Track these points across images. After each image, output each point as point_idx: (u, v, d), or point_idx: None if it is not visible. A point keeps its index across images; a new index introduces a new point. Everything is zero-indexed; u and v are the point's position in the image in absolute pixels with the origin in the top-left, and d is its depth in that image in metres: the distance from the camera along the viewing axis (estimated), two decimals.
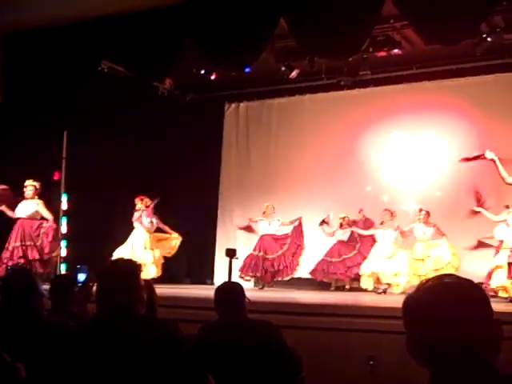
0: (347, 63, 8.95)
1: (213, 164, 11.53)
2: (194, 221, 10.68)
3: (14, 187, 8.62)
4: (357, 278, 9.50)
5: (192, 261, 11.02)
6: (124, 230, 9.58)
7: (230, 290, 3.69)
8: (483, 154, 7.38)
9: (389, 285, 9.05)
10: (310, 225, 10.05)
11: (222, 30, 7.34)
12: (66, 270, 9.65)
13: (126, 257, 8.68)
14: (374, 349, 5.41)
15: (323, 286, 9.92)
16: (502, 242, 8.05)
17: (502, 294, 7.58)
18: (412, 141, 10.38)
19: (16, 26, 8.17)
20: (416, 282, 8.73)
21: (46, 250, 8.45)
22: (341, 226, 9.94)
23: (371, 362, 5.39)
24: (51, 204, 9.04)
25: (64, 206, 9.89)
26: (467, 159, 7.77)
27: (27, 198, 8.59)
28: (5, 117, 8.88)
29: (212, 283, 10.56)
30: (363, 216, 9.90)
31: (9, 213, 8.59)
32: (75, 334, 2.51)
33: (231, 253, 8.27)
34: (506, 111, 9.40)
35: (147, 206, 9.30)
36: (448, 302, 1.34)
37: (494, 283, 7.61)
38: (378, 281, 9.19)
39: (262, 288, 9.78)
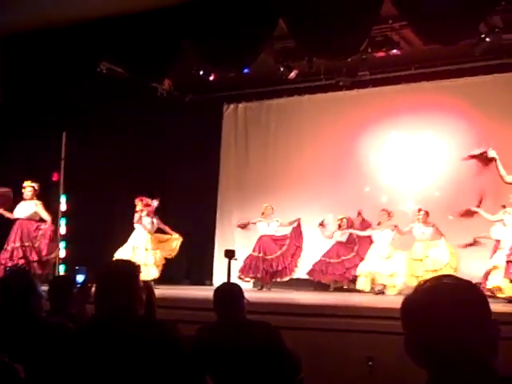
0: (346, 64, 8.95)
1: (212, 165, 11.53)
2: (193, 222, 10.68)
3: (13, 188, 8.63)
4: (354, 279, 9.49)
5: (191, 262, 11.02)
6: (123, 231, 9.57)
7: (229, 291, 3.69)
8: (486, 152, 7.36)
9: (384, 286, 9.03)
10: (308, 226, 10.04)
11: (221, 30, 7.34)
12: (65, 271, 9.65)
13: (126, 258, 8.73)
14: (373, 349, 5.41)
15: (322, 287, 9.92)
16: (498, 241, 8.06)
17: (498, 294, 7.58)
18: (411, 141, 10.38)
19: (15, 27, 8.16)
20: (413, 282, 8.74)
21: (44, 252, 8.44)
22: (339, 227, 9.94)
23: (370, 363, 5.39)
24: (50, 205, 9.05)
25: (63, 206, 9.89)
26: (471, 157, 7.71)
27: (26, 199, 8.59)
28: (4, 118, 8.88)
29: (211, 284, 10.56)
30: (361, 217, 9.90)
31: (7, 215, 8.59)
32: (74, 335, 2.51)
33: (230, 254, 8.28)
34: (504, 111, 9.40)
35: (147, 205, 9.28)
36: (446, 302, 1.34)
37: (491, 283, 7.62)
38: (374, 281, 9.19)
39: (260, 289, 9.78)
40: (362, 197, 10.27)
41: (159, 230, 9.52)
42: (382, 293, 8.97)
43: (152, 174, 10.47)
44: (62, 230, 9.85)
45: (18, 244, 8.36)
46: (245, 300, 3.67)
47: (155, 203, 9.34)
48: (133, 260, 9.02)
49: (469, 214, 8.27)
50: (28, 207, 8.57)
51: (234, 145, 11.69)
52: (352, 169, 10.56)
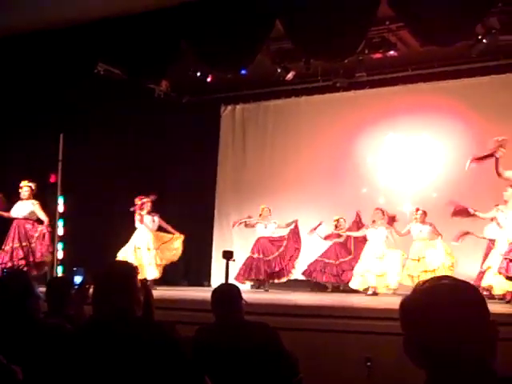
0: (343, 65, 8.96)
1: (209, 166, 11.54)
2: (191, 223, 10.67)
3: (11, 189, 8.63)
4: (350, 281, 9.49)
5: (189, 263, 11.01)
6: (121, 232, 9.57)
7: (227, 292, 3.70)
8: (496, 151, 7.16)
9: (374, 288, 9.01)
10: (306, 227, 10.04)
11: (218, 31, 7.33)
12: (63, 273, 9.64)
13: (129, 258, 8.75)
14: (371, 350, 5.41)
15: (319, 288, 9.92)
16: (492, 241, 8.08)
17: (495, 291, 7.57)
18: (408, 142, 10.40)
19: (13, 27, 8.15)
20: (408, 282, 8.77)
21: (39, 254, 8.44)
22: (336, 227, 9.95)
23: (368, 364, 5.39)
24: (48, 206, 9.05)
25: (60, 208, 9.89)
26: (479, 159, 7.47)
27: (23, 199, 8.59)
28: (1, 119, 8.87)
29: (209, 285, 10.57)
30: (359, 218, 9.90)
31: (5, 214, 8.59)
32: (72, 337, 2.51)
33: (228, 255, 8.28)
34: (501, 112, 9.42)
35: (142, 204, 9.24)
36: (445, 303, 1.34)
37: (486, 282, 7.63)
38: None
39: (257, 288, 9.78)
40: (359, 198, 10.29)
41: (161, 229, 9.53)
42: (374, 294, 8.96)
43: (150, 175, 10.46)
44: (60, 231, 9.84)
45: (17, 244, 8.37)
46: (243, 301, 3.67)
47: (151, 199, 9.30)
48: (135, 260, 9.07)
49: (465, 213, 8.26)
50: (25, 207, 8.58)
51: (231, 146, 11.69)
52: (349, 170, 10.57)
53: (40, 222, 8.66)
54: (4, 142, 9.15)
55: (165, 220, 9.51)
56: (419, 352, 1.35)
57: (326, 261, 9.82)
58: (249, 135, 11.60)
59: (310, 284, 10.08)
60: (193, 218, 10.93)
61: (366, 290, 9.09)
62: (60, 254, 9.83)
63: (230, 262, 8.31)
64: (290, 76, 9.34)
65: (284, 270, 9.79)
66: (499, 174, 6.91)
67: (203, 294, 6.55)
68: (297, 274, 9.93)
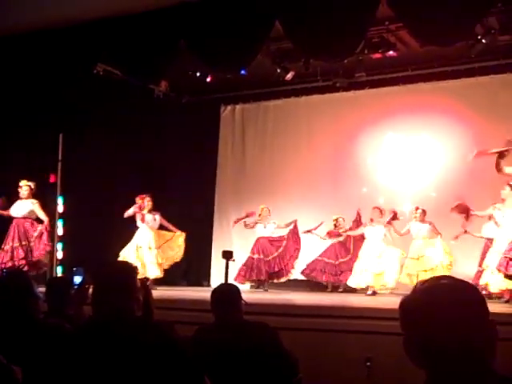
0: (342, 65, 8.96)
1: (209, 166, 11.54)
2: (191, 223, 10.67)
3: (10, 189, 8.63)
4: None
5: (189, 263, 11.01)
6: (120, 232, 9.57)
7: (227, 292, 3.70)
8: (508, 152, 7.07)
9: (373, 287, 9.01)
10: (305, 227, 10.04)
11: (218, 31, 7.34)
12: (62, 273, 9.64)
13: (131, 257, 8.77)
14: (371, 350, 5.41)
15: (319, 288, 9.92)
16: (490, 240, 8.09)
17: (490, 289, 7.58)
18: (407, 142, 10.41)
19: (13, 27, 8.15)
20: (407, 281, 8.77)
21: (36, 253, 8.44)
22: (335, 227, 9.96)
23: (368, 364, 5.39)
24: (47, 206, 9.05)
25: (60, 208, 9.89)
26: (486, 154, 7.38)
27: (22, 198, 8.60)
28: (0, 119, 8.87)
29: (209, 285, 10.56)
30: (359, 217, 9.91)
31: (4, 213, 8.60)
32: (71, 337, 2.51)
33: (228, 255, 8.28)
34: (500, 112, 9.43)
35: (142, 204, 9.26)
36: (445, 303, 1.34)
37: (484, 281, 7.63)
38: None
39: (257, 287, 9.78)
40: (359, 198, 10.28)
41: (161, 228, 9.54)
42: (374, 294, 8.96)
43: (149, 175, 10.45)
44: (60, 231, 9.85)
45: (17, 244, 8.37)
46: (242, 301, 3.67)
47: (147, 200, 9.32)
48: (136, 259, 9.07)
49: (466, 211, 8.26)
50: (24, 206, 8.58)
51: (231, 146, 11.69)
52: (349, 170, 10.57)
53: (39, 221, 8.67)
54: (4, 141, 9.15)
55: (165, 219, 9.52)
56: (419, 352, 1.35)
57: (326, 260, 9.82)
58: (248, 135, 11.60)
59: (310, 284, 10.07)
60: (192, 218, 10.92)
61: (366, 289, 9.09)
62: (59, 254, 9.83)
63: (230, 262, 8.31)
64: (289, 76, 9.34)
65: (283, 270, 9.79)
66: (499, 170, 6.88)
67: (203, 294, 6.55)
68: (296, 273, 9.93)
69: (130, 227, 9.42)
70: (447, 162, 9.97)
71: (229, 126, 11.73)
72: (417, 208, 9.17)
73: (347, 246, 9.95)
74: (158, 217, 9.35)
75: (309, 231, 9.92)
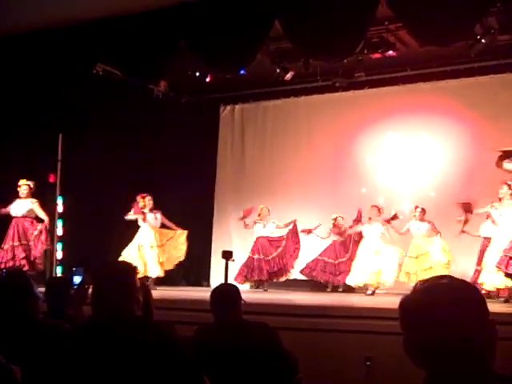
0: (342, 65, 8.96)
1: (208, 166, 11.54)
2: (190, 223, 10.67)
3: (10, 190, 8.63)
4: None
5: (188, 263, 11.01)
6: (120, 232, 9.57)
7: (226, 292, 3.70)
8: None
9: (371, 285, 9.02)
10: (305, 227, 10.04)
11: (217, 31, 7.33)
12: (62, 273, 9.64)
13: (133, 256, 8.77)
14: (371, 350, 5.42)
15: (318, 288, 9.92)
16: (487, 239, 8.10)
17: (485, 287, 7.58)
18: (407, 142, 10.41)
19: (12, 27, 8.14)
20: (405, 280, 8.78)
21: (33, 252, 8.44)
22: (334, 226, 9.97)
23: (368, 363, 5.39)
24: (47, 206, 9.05)
25: (60, 208, 9.89)
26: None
27: (22, 197, 8.60)
28: (0, 119, 8.87)
29: (208, 285, 10.56)
30: (360, 216, 9.91)
31: (2, 211, 8.60)
32: (71, 337, 2.51)
33: (227, 255, 8.28)
34: (500, 112, 9.43)
35: (142, 207, 9.27)
36: (444, 302, 1.34)
37: (481, 280, 7.64)
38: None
39: (256, 288, 9.78)
40: (358, 198, 10.28)
41: (163, 226, 9.55)
42: (373, 293, 8.96)
43: (149, 175, 10.46)
44: (59, 231, 9.84)
45: (16, 243, 8.38)
46: (242, 301, 3.67)
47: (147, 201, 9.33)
48: (139, 258, 9.08)
49: (469, 210, 8.26)
50: (24, 205, 8.59)
51: (230, 146, 11.69)
52: (349, 170, 10.57)
53: (39, 220, 8.67)
54: (3, 141, 9.14)
55: (166, 218, 9.54)
56: (419, 351, 1.35)
57: (326, 260, 9.82)
58: (248, 135, 11.60)
59: (310, 284, 10.07)
60: (192, 218, 10.91)
61: (365, 289, 9.09)
62: (59, 254, 9.83)
63: (230, 262, 8.31)
64: (289, 76, 9.34)
65: (283, 269, 9.79)
66: (500, 166, 6.91)
67: (202, 294, 6.54)
68: (296, 273, 9.93)
69: (129, 227, 9.42)
70: (446, 162, 9.98)
71: (228, 126, 11.73)
72: (416, 207, 9.19)
73: (347, 246, 9.94)
74: (159, 215, 9.37)
75: (308, 231, 9.90)
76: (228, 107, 11.72)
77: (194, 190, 11.10)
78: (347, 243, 9.97)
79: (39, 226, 8.55)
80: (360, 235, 9.60)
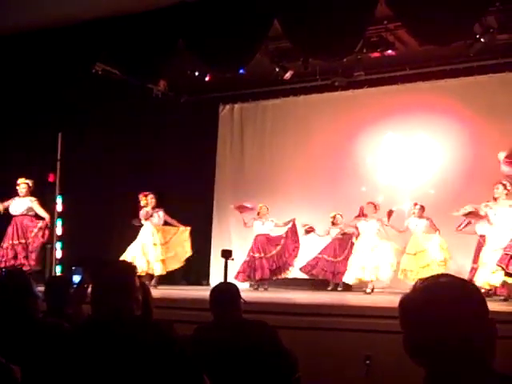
0: (341, 64, 8.95)
1: (208, 166, 11.54)
2: (190, 222, 10.67)
3: (9, 189, 8.64)
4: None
5: (188, 262, 11.00)
6: (119, 232, 9.57)
7: (226, 291, 3.70)
8: None
9: (365, 282, 9.02)
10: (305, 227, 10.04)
11: (216, 31, 7.34)
12: (61, 272, 9.64)
13: (137, 254, 8.77)
14: (371, 348, 5.42)
15: (319, 286, 9.92)
16: (483, 237, 8.11)
17: (479, 284, 7.58)
18: (406, 141, 10.42)
19: (12, 27, 8.14)
20: (403, 277, 8.78)
21: (30, 248, 8.44)
22: (332, 224, 9.97)
23: (368, 362, 5.39)
24: (46, 206, 9.05)
25: (59, 207, 9.89)
26: None
27: (20, 196, 8.61)
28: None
29: (208, 284, 10.56)
30: (362, 212, 9.90)
31: (1, 208, 8.61)
32: (70, 336, 2.51)
33: (227, 254, 8.28)
34: (499, 112, 9.43)
35: (144, 205, 9.29)
36: (444, 301, 1.34)
37: (480, 280, 7.64)
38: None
39: (256, 288, 9.78)
40: (358, 197, 10.27)
41: (166, 224, 9.56)
42: (372, 291, 8.96)
43: (148, 174, 10.45)
44: (59, 230, 9.84)
45: (16, 241, 8.38)
46: (241, 300, 3.67)
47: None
48: (142, 256, 9.09)
49: (477, 216, 8.24)
50: (23, 203, 8.60)
51: (229, 145, 11.69)
52: (348, 169, 10.58)
53: (39, 218, 8.68)
54: (3, 141, 9.15)
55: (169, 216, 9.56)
56: (418, 350, 1.35)
57: (327, 258, 9.83)
58: (247, 134, 11.60)
59: (309, 282, 10.08)
60: (191, 217, 10.91)
61: (364, 286, 9.09)
62: (58, 254, 9.83)
63: (229, 261, 8.31)
64: (288, 75, 9.33)
65: (281, 267, 9.79)
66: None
67: (202, 293, 6.55)
68: (295, 271, 9.93)
69: (129, 226, 9.43)
70: (446, 160, 10.00)
71: (227, 125, 11.73)
72: (415, 204, 9.21)
73: (346, 245, 9.93)
74: (161, 213, 9.40)
75: (309, 231, 9.91)
76: (227, 106, 11.72)
77: (194, 189, 11.10)
78: (346, 242, 9.97)
79: (40, 224, 8.56)
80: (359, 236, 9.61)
